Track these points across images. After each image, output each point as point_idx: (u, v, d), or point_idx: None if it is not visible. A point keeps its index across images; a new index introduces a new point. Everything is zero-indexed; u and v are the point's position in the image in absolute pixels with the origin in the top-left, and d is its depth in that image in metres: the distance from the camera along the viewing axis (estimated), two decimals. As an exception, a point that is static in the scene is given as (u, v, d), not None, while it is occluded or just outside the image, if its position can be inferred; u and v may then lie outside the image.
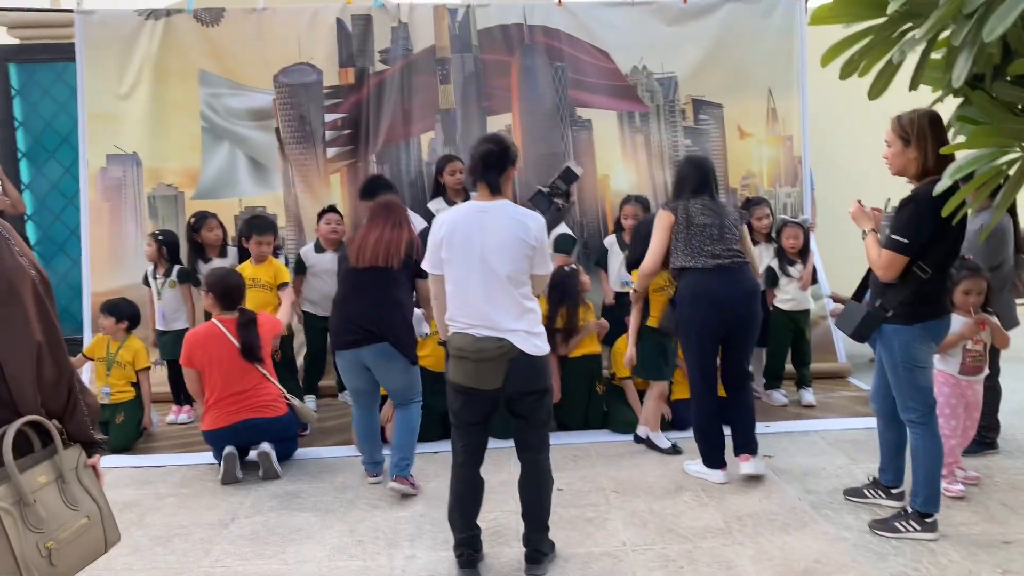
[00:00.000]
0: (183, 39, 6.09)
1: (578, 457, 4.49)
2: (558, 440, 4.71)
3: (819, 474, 4.14)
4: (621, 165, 6.21)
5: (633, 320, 4.53)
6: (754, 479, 4.05)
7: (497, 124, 6.17)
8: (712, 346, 4.06)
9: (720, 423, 4.10)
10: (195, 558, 3.44)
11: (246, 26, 6.11)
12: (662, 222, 4.11)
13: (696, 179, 4.13)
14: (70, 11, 6.19)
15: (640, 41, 6.21)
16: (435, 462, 4.40)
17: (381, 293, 4.04)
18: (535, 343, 3.06)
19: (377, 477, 4.22)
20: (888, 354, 3.43)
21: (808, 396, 5.35)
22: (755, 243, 5.42)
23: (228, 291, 4.48)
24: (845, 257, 5.30)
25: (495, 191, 3.13)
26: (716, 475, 4.07)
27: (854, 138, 6.45)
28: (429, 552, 3.42)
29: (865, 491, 3.79)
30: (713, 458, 4.10)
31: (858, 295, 3.64)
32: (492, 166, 3.11)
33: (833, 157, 6.72)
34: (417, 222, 4.92)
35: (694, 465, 4.19)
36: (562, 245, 5.27)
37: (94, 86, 6.09)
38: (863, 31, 2.18)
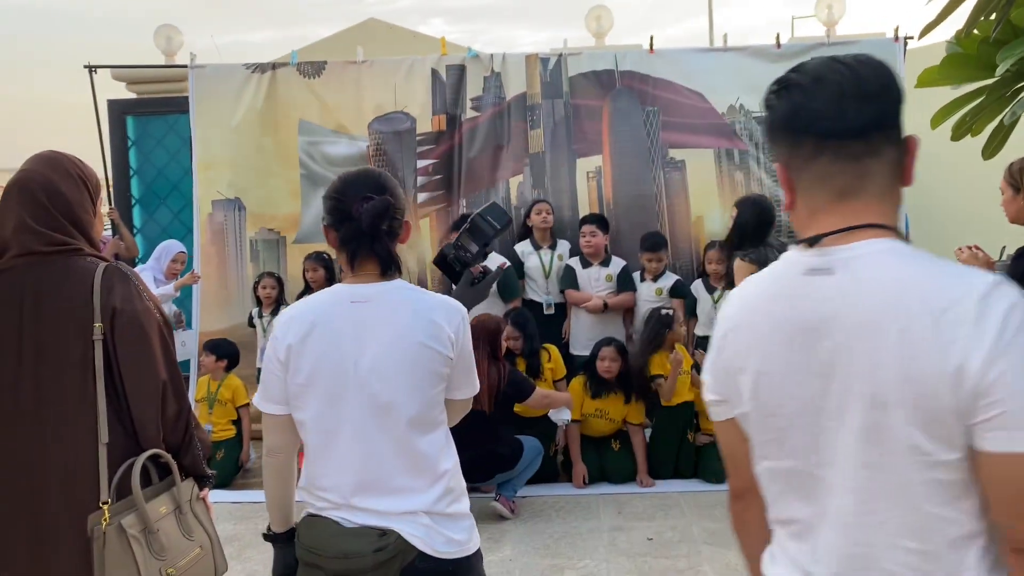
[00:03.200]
0: (286, 90, 6.37)
1: (668, 506, 4.43)
2: (649, 489, 4.69)
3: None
4: (717, 205, 6.08)
5: None
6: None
7: (587, 166, 6.20)
8: None
9: None
10: (292, 595, 3.53)
11: (345, 77, 6.37)
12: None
13: (765, 222, 3.89)
14: (184, 67, 6.57)
15: (735, 82, 6.15)
16: (523, 506, 4.41)
17: (490, 434, 4.20)
18: (451, 535, 1.83)
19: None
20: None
21: None
22: None
23: None
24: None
25: (387, 267, 1.86)
26: None
27: (951, 184, 6.25)
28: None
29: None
30: None
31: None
32: (377, 228, 1.83)
33: (928, 203, 6.52)
34: (499, 259, 5.02)
35: None
36: (511, 285, 5.27)
37: (203, 135, 6.43)
38: (974, 92, 2.16)
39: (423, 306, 1.84)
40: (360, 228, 1.81)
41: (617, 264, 5.49)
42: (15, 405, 1.97)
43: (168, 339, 2.12)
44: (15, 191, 2.04)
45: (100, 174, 7.22)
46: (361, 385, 1.78)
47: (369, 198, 1.81)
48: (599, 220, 5.56)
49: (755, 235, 3.98)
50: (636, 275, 5.53)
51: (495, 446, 4.22)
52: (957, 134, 2.24)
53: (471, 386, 1.97)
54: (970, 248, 3.40)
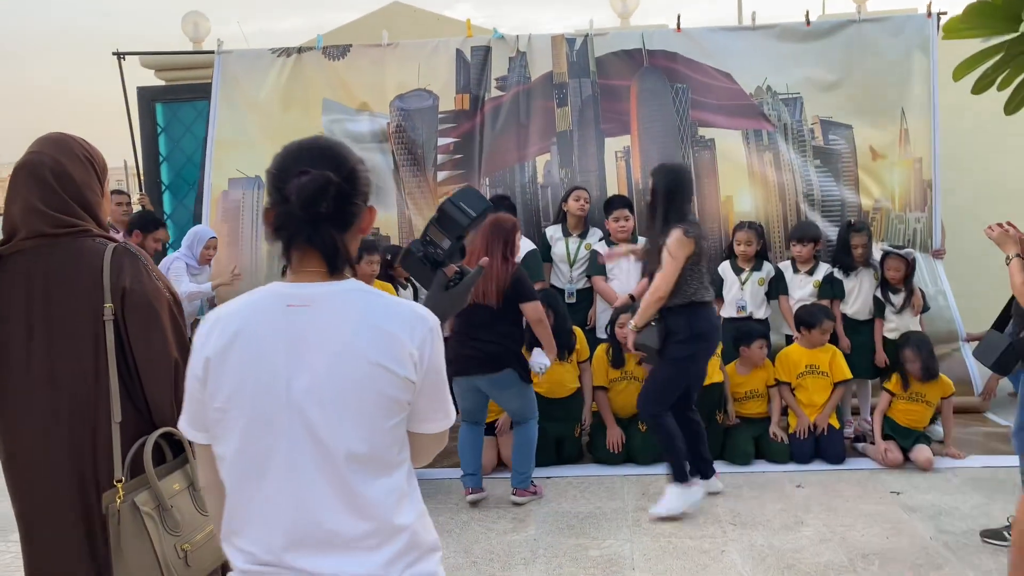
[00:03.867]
0: (310, 72, 6.38)
1: (694, 487, 4.39)
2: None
3: (952, 513, 3.91)
4: (747, 185, 5.98)
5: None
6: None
7: (616, 146, 6.14)
8: None
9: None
10: None
11: (369, 59, 6.36)
12: (684, 250, 3.92)
13: (687, 192, 4.11)
14: (211, 52, 6.62)
15: (763, 63, 6.06)
16: (547, 486, 4.41)
17: (488, 328, 4.09)
18: None
19: (475, 494, 4.26)
20: (1033, 388, 3.20)
21: (937, 430, 5.02)
22: (852, 269, 5.23)
23: None
24: (977, 286, 5.04)
25: (333, 264, 1.48)
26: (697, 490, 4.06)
27: (989, 160, 6.10)
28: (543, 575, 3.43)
29: (1005, 533, 3.54)
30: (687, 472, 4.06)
31: (999, 324, 3.44)
32: (312, 211, 1.43)
33: (961, 181, 6.36)
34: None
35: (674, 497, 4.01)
36: (532, 268, 5.11)
37: (224, 115, 6.46)
38: (998, 45, 2.10)
39: (377, 314, 1.44)
40: (293, 212, 1.42)
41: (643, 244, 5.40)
42: (28, 386, 2.00)
43: (179, 318, 2.13)
44: (23, 174, 2.04)
45: (130, 162, 7.33)
46: (294, 413, 1.39)
47: (305, 172, 1.41)
48: (629, 204, 5.47)
49: (672, 203, 3.99)
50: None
51: (498, 342, 4.15)
52: (979, 87, 2.17)
53: (443, 416, 1.52)
54: (1000, 225, 3.32)
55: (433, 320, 1.50)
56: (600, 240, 5.48)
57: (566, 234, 5.53)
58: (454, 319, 4.12)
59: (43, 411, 2.00)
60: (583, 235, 5.52)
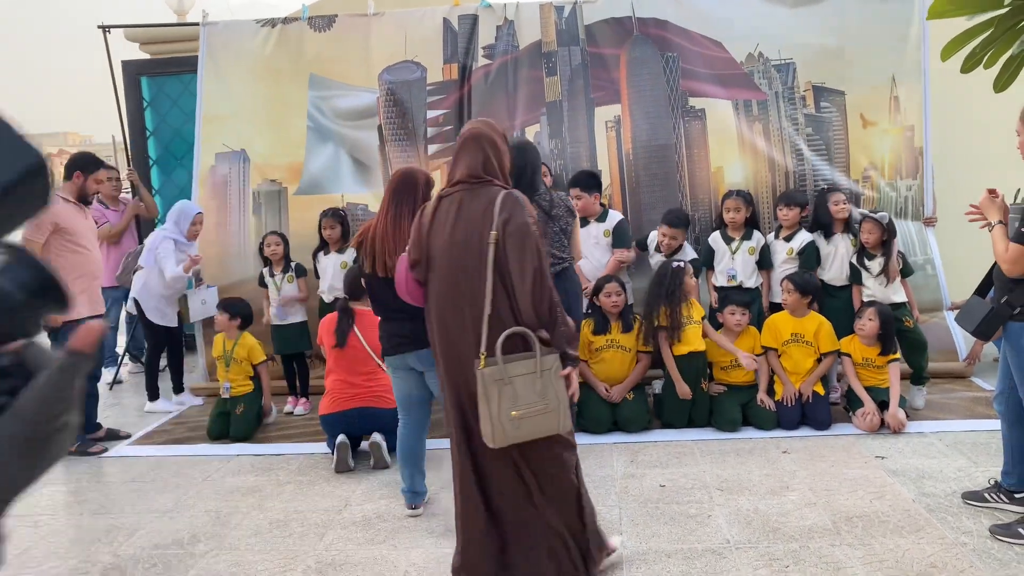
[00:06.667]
0: (296, 44, 6.33)
1: (682, 454, 4.45)
2: (662, 437, 4.72)
3: (936, 476, 3.97)
4: (737, 156, 5.96)
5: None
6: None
7: (606, 115, 6.12)
8: None
9: None
10: (311, 542, 3.62)
11: (356, 30, 6.31)
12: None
13: (529, 165, 4.13)
14: (196, 24, 6.56)
15: (755, 28, 6.01)
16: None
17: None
18: None
19: (417, 509, 3.86)
20: (1014, 353, 3.27)
21: (919, 399, 5.06)
22: (832, 233, 5.26)
23: (353, 286, 4.76)
24: (965, 254, 5.04)
25: None
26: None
27: (980, 128, 6.09)
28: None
29: (986, 495, 3.61)
30: None
31: (981, 291, 3.48)
32: None
33: (954, 148, 6.36)
34: (614, 216, 5.15)
35: None
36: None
37: (210, 89, 6.41)
38: (985, 23, 2.10)
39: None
40: None
41: (613, 219, 5.35)
42: (449, 272, 2.87)
43: (540, 246, 2.83)
44: (471, 140, 2.97)
45: (119, 137, 7.28)
46: None
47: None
48: (581, 181, 5.21)
49: (520, 179, 3.90)
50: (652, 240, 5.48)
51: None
52: (967, 66, 2.17)
53: None
54: (988, 191, 3.35)
55: None
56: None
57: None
58: (372, 302, 3.76)
59: (455, 297, 2.86)
60: None
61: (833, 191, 5.36)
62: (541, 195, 4.19)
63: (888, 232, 5.08)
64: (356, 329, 4.65)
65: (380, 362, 4.54)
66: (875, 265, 5.11)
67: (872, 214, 5.18)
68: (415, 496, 3.88)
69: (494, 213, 2.80)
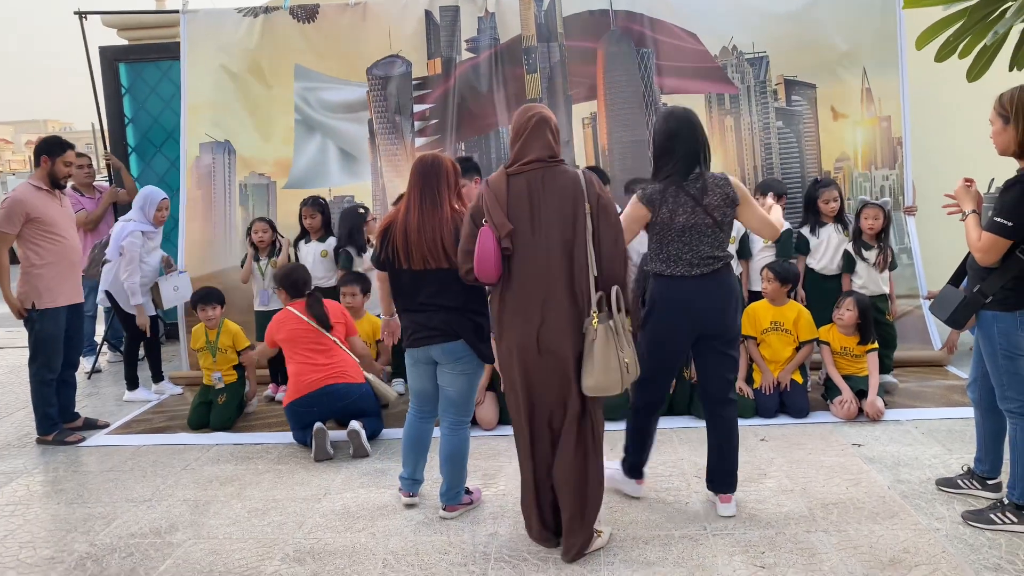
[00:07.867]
0: (280, 35, 6.32)
1: (661, 442, 4.45)
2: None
3: (911, 464, 4.03)
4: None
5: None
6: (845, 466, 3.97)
7: (583, 112, 6.17)
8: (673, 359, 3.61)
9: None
10: (289, 530, 3.61)
11: (339, 22, 6.30)
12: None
13: (689, 147, 3.36)
14: (175, 11, 6.50)
15: (730, 21, 6.08)
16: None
17: (440, 293, 3.48)
18: None
19: (412, 497, 3.82)
20: (987, 342, 3.31)
21: (890, 379, 5.16)
22: (821, 225, 5.30)
23: (295, 283, 4.98)
24: (942, 243, 5.10)
25: None
26: (631, 485, 3.80)
27: (954, 118, 6.15)
28: (511, 530, 3.50)
29: (959, 481, 3.66)
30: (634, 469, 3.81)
31: (955, 280, 3.52)
32: None
33: (930, 138, 6.42)
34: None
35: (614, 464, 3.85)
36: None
37: (192, 78, 6.38)
38: (959, 12, 2.12)
39: None
40: None
41: None
42: (545, 241, 3.09)
43: (616, 215, 3.15)
44: (541, 123, 3.17)
45: (98, 125, 7.20)
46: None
47: None
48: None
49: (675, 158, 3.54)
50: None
51: (452, 307, 3.50)
52: (941, 55, 2.20)
53: None
54: (964, 180, 3.38)
55: None
56: None
57: None
58: (396, 296, 3.62)
59: (548, 264, 3.10)
60: None
61: (825, 187, 5.39)
62: (691, 180, 3.38)
63: (887, 219, 5.14)
64: (294, 310, 4.86)
65: (334, 338, 4.80)
66: (872, 255, 5.16)
67: (875, 200, 5.21)
68: (414, 484, 3.82)
69: (583, 189, 3.09)
